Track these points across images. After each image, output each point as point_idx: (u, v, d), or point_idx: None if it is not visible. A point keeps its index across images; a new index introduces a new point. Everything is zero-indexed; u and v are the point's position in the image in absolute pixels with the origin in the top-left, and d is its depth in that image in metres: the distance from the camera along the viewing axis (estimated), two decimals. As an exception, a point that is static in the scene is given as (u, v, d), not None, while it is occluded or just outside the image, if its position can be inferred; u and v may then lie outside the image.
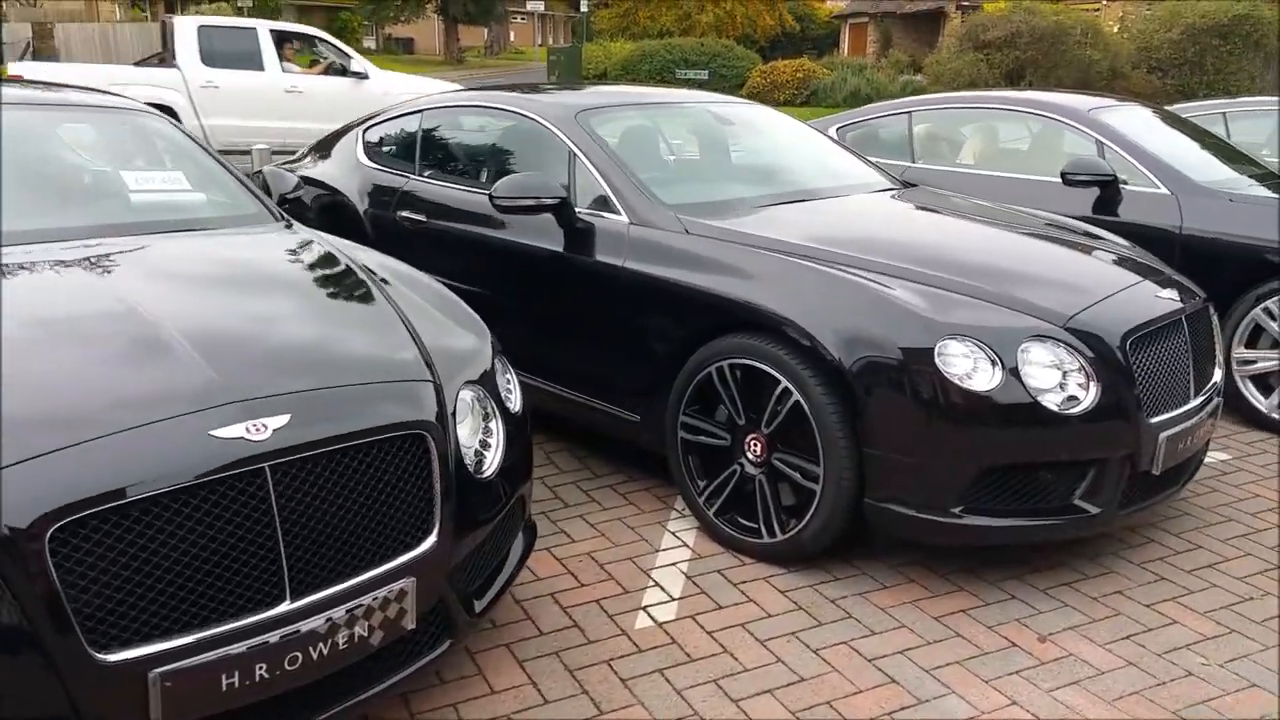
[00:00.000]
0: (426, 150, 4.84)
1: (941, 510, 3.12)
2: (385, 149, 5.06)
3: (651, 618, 3.14)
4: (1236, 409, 4.88)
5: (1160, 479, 3.40)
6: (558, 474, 4.22)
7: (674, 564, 3.46)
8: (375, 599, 2.31)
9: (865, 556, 3.48)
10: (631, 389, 3.84)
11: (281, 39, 12.28)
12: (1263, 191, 5.04)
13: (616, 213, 3.88)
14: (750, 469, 3.46)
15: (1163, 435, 3.25)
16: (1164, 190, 5.09)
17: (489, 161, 4.58)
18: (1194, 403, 3.43)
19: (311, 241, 3.44)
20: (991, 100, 5.98)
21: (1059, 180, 5.17)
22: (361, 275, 3.12)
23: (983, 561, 3.45)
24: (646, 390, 3.76)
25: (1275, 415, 4.76)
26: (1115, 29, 28.15)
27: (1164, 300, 3.41)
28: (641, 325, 3.74)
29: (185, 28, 11.79)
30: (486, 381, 2.82)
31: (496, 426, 2.77)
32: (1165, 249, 4.95)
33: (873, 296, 3.20)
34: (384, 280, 3.11)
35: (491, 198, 3.89)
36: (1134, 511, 3.33)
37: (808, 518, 3.29)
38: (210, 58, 11.67)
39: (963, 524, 3.12)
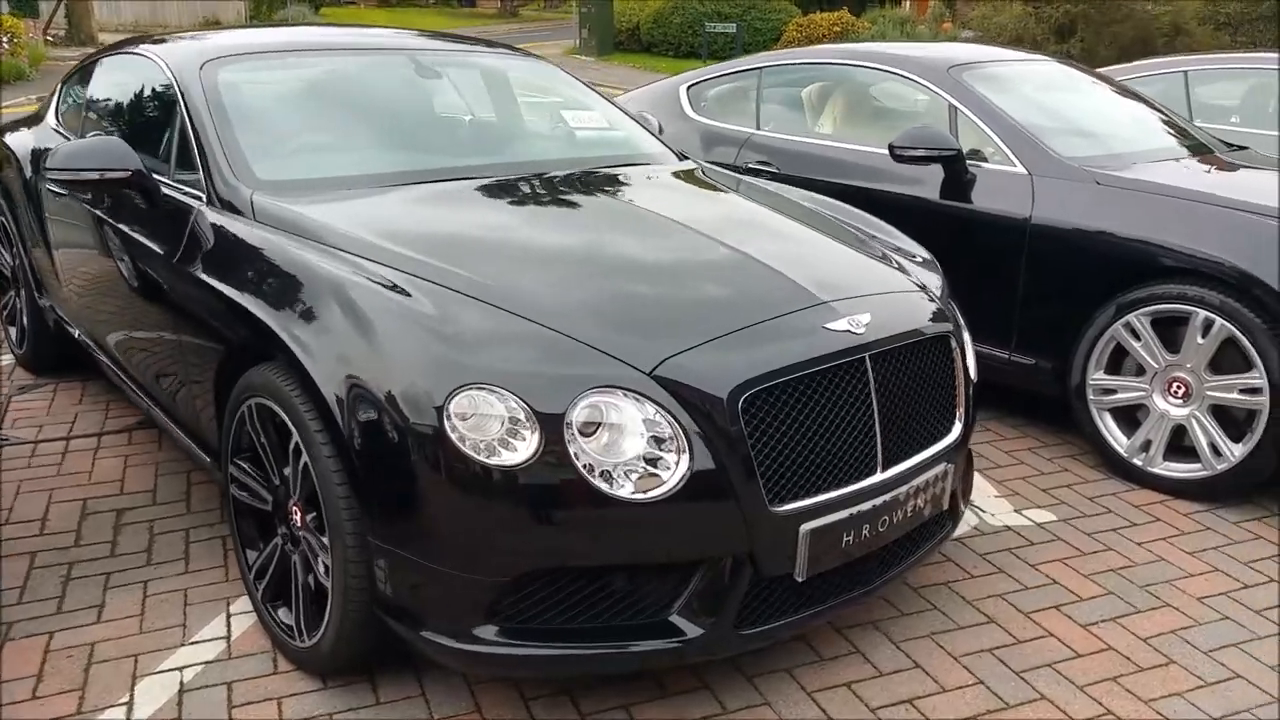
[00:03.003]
0: (91, 108, 4.01)
1: (463, 633, 2.22)
2: (69, 107, 4.25)
3: (72, 760, 2.30)
4: (1097, 449, 3.84)
5: (833, 582, 2.45)
6: (181, 516, 3.39)
7: (186, 667, 2.62)
8: None
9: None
10: (201, 424, 2.99)
11: None
12: (1152, 174, 3.92)
13: (198, 189, 3.02)
14: (290, 546, 2.59)
15: (805, 527, 2.29)
16: (1019, 169, 4.02)
17: (126, 123, 3.73)
18: (882, 477, 2.44)
19: None
20: (846, 55, 4.89)
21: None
22: None
23: (599, 681, 2.54)
24: (212, 428, 2.91)
25: (1137, 460, 3.71)
26: (1188, -19, 26.06)
27: (831, 335, 2.41)
28: (192, 342, 2.89)
29: None
30: None
31: None
32: (1014, 244, 3.92)
33: (385, 321, 2.28)
34: None
35: (46, 169, 3.04)
36: (772, 630, 2.37)
37: (324, 623, 2.42)
38: None
39: (493, 652, 2.21)
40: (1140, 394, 3.68)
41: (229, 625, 2.79)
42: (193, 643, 2.71)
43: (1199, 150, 4.43)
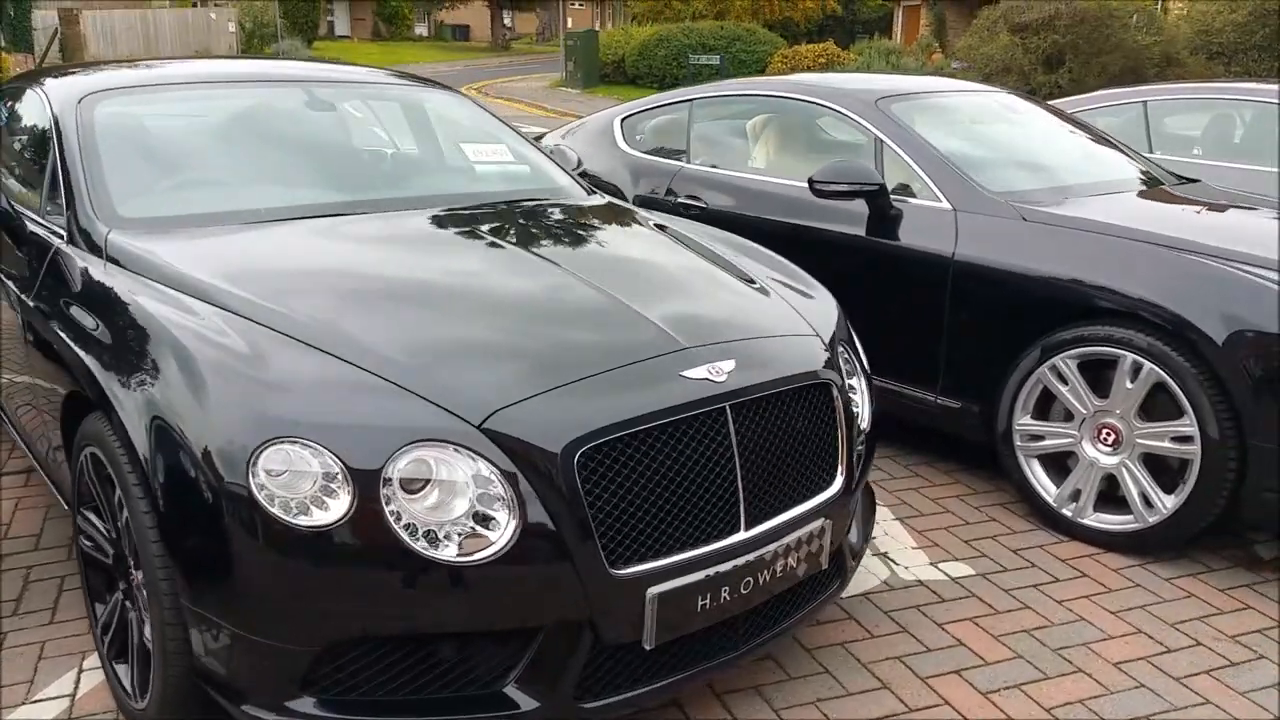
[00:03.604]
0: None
1: (278, 706, 2.05)
2: None
3: None
4: (1026, 498, 3.67)
5: (694, 649, 2.28)
6: (61, 563, 3.23)
7: (14, 733, 2.44)
8: None
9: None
10: (60, 471, 2.85)
11: None
12: (1084, 209, 3.76)
13: (58, 227, 2.90)
14: (129, 602, 2.43)
15: (653, 591, 2.12)
16: (944, 204, 3.87)
17: (10, 157, 3.60)
18: (745, 535, 2.28)
19: None
20: (778, 87, 4.77)
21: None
22: None
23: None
24: (67, 475, 2.76)
25: (1066, 511, 3.54)
26: (1184, 11, 26.08)
27: (687, 383, 2.25)
28: (44, 386, 2.75)
29: None
30: None
31: None
32: (939, 282, 3.77)
33: (197, 368, 2.13)
34: None
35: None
36: (620, 703, 2.19)
37: (149, 688, 2.26)
38: None
39: (307, 726, 2.04)
40: (1069, 441, 3.51)
41: (78, 682, 2.63)
42: (35, 700, 2.55)
43: (1145, 183, 4.29)
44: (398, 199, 3.20)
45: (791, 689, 2.64)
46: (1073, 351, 3.42)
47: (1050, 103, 5.68)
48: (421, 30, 49.45)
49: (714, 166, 4.77)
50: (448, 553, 1.97)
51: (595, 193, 3.69)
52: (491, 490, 2.01)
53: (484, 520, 2.00)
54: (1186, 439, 3.22)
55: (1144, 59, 19.59)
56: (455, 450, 2.01)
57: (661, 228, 3.34)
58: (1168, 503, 3.29)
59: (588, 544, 2.04)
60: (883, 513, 3.66)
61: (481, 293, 2.55)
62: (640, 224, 3.37)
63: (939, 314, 3.79)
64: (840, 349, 2.77)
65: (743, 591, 2.26)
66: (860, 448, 2.69)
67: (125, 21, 33.57)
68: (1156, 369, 3.24)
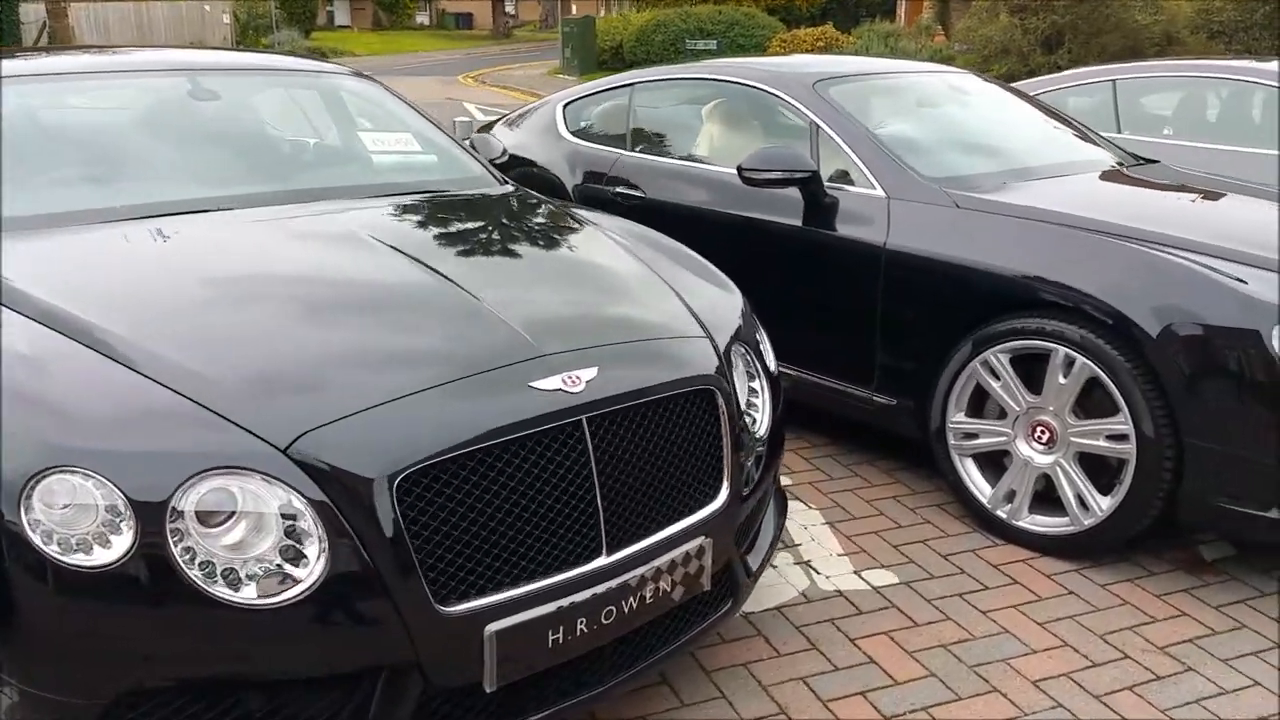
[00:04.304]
0: None
1: (70, 756, 1.88)
2: None
3: None
4: (961, 500, 3.48)
5: (552, 686, 2.10)
6: None
7: None
8: None
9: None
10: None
11: None
12: (1023, 195, 3.54)
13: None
14: None
15: (492, 628, 1.94)
16: (878, 191, 3.67)
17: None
18: (607, 561, 2.10)
19: None
20: (718, 71, 4.55)
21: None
22: None
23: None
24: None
25: (1001, 513, 3.34)
26: (1191, -10, 25.59)
27: (536, 395, 2.07)
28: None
29: None
30: None
31: None
32: (871, 273, 3.57)
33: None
34: None
35: None
36: (461, 749, 2.02)
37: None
38: None
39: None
40: (1003, 439, 3.32)
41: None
42: None
43: (1098, 166, 4.07)
44: (270, 194, 3.00)
45: (680, 717, 2.46)
46: (1004, 345, 3.24)
47: (1015, 84, 5.46)
48: (423, 19, 49.14)
49: (653, 154, 4.56)
50: (247, 594, 1.80)
51: (507, 183, 3.51)
52: (300, 523, 1.83)
53: (292, 557, 1.82)
54: (1122, 437, 3.03)
55: (1144, 38, 19.19)
56: (264, 479, 1.83)
57: (564, 220, 3.15)
58: (1103, 504, 3.10)
59: (410, 580, 1.86)
60: (812, 517, 3.48)
61: (319, 295, 2.37)
62: (541, 215, 3.18)
63: (872, 306, 3.60)
64: (740, 349, 2.58)
65: (604, 622, 2.08)
66: (761, 449, 2.50)
67: (118, 13, 33.40)
68: (1090, 363, 3.05)
